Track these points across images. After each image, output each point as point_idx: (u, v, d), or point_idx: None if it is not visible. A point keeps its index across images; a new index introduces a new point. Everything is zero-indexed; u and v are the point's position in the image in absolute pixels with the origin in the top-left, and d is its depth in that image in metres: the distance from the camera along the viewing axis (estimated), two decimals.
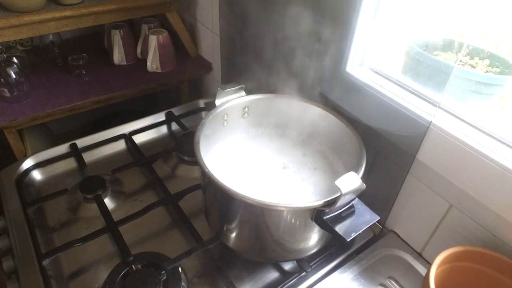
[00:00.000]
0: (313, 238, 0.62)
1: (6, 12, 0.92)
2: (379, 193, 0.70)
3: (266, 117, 0.76)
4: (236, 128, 0.76)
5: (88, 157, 0.89)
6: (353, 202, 0.55)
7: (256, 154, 0.73)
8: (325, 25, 0.71)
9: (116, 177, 0.85)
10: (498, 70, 0.64)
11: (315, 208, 0.53)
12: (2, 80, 1.00)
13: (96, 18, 1.03)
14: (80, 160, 0.87)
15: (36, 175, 0.86)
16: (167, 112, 1.02)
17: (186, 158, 0.89)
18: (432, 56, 0.63)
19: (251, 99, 0.73)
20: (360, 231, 0.52)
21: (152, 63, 1.19)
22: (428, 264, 0.68)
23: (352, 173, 0.52)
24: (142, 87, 1.14)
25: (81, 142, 0.91)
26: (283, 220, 0.57)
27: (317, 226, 0.56)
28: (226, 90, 0.70)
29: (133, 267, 0.64)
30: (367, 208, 0.55)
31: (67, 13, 0.97)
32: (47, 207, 0.78)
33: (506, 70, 0.64)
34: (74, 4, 0.99)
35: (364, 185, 0.52)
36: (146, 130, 0.97)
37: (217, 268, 0.67)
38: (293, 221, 0.57)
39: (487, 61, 0.65)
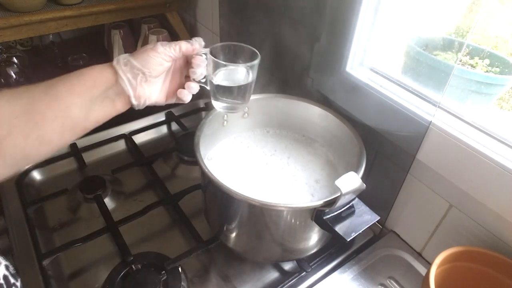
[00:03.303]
0: (313, 238, 0.62)
1: (6, 12, 0.92)
2: (379, 193, 0.70)
3: (266, 117, 0.76)
4: (236, 128, 0.76)
5: (88, 157, 0.89)
6: (353, 202, 0.55)
7: (256, 154, 0.73)
8: (325, 25, 0.71)
9: (116, 177, 0.85)
10: (498, 70, 0.64)
11: (315, 208, 0.53)
12: (2, 80, 1.00)
13: (96, 18, 1.03)
14: (80, 160, 0.87)
15: (36, 175, 0.86)
16: (167, 112, 1.02)
17: (186, 158, 0.89)
18: (432, 56, 0.63)
19: (251, 99, 0.73)
20: (360, 231, 0.52)
21: None
22: (428, 264, 0.68)
23: (352, 173, 0.52)
24: None
25: (81, 142, 0.91)
26: (283, 220, 0.57)
27: (317, 226, 0.56)
28: None
29: (133, 267, 0.64)
30: (367, 208, 0.55)
31: (67, 13, 0.97)
32: (47, 207, 0.78)
33: (506, 70, 0.64)
34: (74, 4, 0.99)
35: (364, 185, 0.52)
36: (146, 130, 0.97)
37: (217, 268, 0.67)
38: (293, 221, 0.57)
39: (487, 61, 0.65)
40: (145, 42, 1.20)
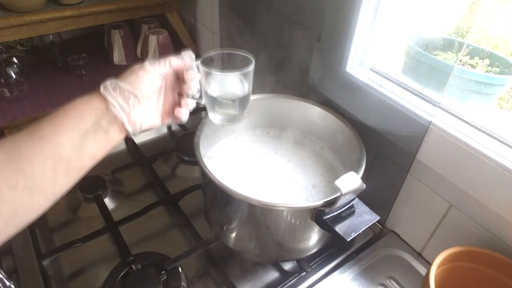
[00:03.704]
0: (313, 238, 0.62)
1: (6, 12, 0.92)
2: (379, 193, 0.70)
3: (266, 117, 0.76)
4: (236, 128, 0.76)
5: None
6: (353, 202, 0.55)
7: (256, 154, 0.73)
8: (325, 25, 0.71)
9: (116, 177, 0.85)
10: (498, 70, 0.64)
11: (315, 208, 0.53)
12: (2, 80, 1.00)
13: (96, 18, 1.03)
14: None
15: None
16: None
17: (186, 158, 0.89)
18: (432, 56, 0.63)
19: (251, 99, 0.73)
20: (360, 231, 0.52)
21: None
22: (428, 264, 0.68)
23: (352, 173, 0.52)
24: None
25: None
26: (283, 220, 0.57)
27: (317, 226, 0.56)
28: None
29: (133, 267, 0.64)
30: (367, 208, 0.55)
31: (67, 13, 0.97)
32: None
33: (506, 70, 0.64)
34: (74, 4, 0.99)
35: (364, 185, 0.52)
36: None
37: (217, 268, 0.67)
38: (293, 221, 0.57)
39: (487, 61, 0.65)
40: (145, 42, 1.20)
